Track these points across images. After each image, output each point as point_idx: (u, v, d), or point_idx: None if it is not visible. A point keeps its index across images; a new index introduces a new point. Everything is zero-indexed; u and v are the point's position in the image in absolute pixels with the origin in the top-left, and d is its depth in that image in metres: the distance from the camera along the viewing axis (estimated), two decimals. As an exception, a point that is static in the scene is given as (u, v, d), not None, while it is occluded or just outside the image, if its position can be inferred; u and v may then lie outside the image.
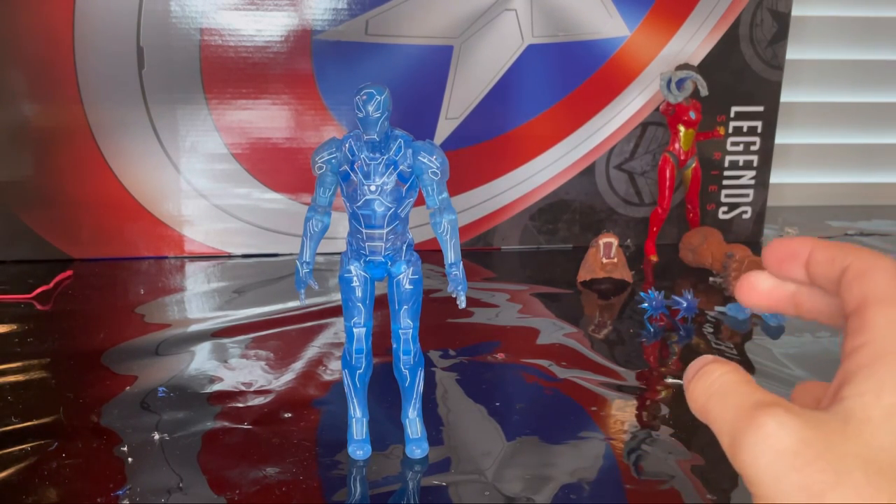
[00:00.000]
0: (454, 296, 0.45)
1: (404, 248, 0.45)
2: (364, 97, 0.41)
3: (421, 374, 0.47)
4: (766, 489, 0.26)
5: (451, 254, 0.44)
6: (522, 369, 0.60)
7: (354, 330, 0.45)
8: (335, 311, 0.68)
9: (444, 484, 0.45)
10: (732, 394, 0.28)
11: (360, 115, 0.41)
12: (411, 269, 0.45)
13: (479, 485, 0.45)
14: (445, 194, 0.44)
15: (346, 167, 0.43)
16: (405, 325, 0.45)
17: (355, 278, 0.44)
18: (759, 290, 0.32)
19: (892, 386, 0.26)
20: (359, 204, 0.43)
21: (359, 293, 0.45)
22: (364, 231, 0.43)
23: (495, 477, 0.46)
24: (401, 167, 0.42)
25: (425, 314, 0.48)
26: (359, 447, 0.47)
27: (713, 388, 0.28)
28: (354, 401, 0.47)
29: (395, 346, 0.46)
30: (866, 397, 0.26)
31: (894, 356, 0.26)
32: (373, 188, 0.42)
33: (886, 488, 0.24)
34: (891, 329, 0.27)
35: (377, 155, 0.42)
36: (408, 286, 0.45)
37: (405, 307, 0.45)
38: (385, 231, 0.43)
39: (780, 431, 0.26)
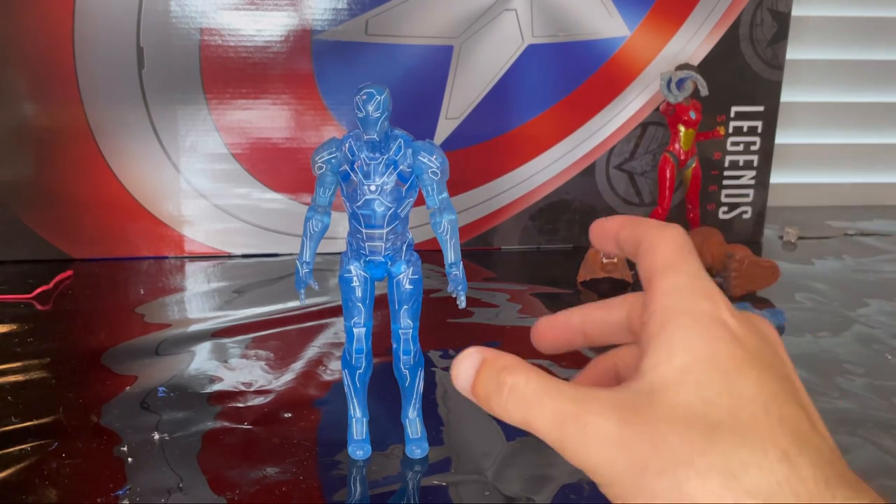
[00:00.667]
0: (454, 296, 0.45)
1: (404, 248, 0.45)
2: (364, 97, 0.41)
3: (421, 374, 0.47)
4: (603, 475, 0.29)
5: (451, 254, 0.44)
6: (522, 369, 0.59)
7: (354, 330, 0.45)
8: (335, 311, 0.68)
9: (444, 484, 0.45)
10: (548, 399, 0.30)
11: (360, 115, 0.41)
12: (411, 269, 0.45)
13: (479, 485, 0.45)
14: (445, 194, 0.44)
15: (345, 167, 0.43)
16: (405, 325, 0.45)
17: (355, 278, 0.44)
18: (545, 336, 0.34)
19: (681, 347, 0.28)
20: (359, 204, 0.42)
21: (359, 293, 0.45)
22: (364, 231, 0.43)
23: (495, 477, 0.46)
24: (401, 167, 0.42)
25: (425, 314, 0.48)
26: (359, 447, 0.47)
27: (527, 399, 0.30)
28: (354, 401, 0.47)
29: (395, 346, 0.46)
30: (660, 366, 0.28)
31: (678, 318, 0.29)
32: (373, 188, 0.42)
33: (698, 441, 0.27)
34: (673, 294, 0.30)
35: (377, 155, 0.42)
36: (408, 286, 0.45)
37: (405, 307, 0.45)
38: (385, 231, 0.43)
39: (603, 423, 0.28)
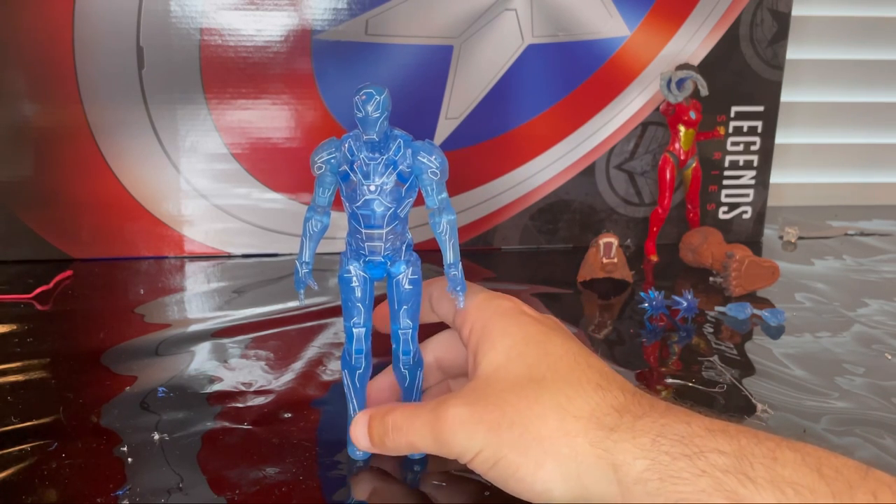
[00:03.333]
0: (453, 296, 0.45)
1: (404, 247, 0.45)
2: (363, 97, 0.40)
3: (420, 374, 0.47)
4: (472, 449, 0.38)
5: (450, 254, 0.44)
6: (522, 369, 0.59)
7: (354, 330, 0.45)
8: (335, 312, 0.68)
9: (443, 484, 0.45)
10: (415, 418, 0.40)
11: (360, 115, 0.41)
12: (411, 269, 0.45)
13: (480, 485, 0.45)
14: (445, 194, 0.44)
15: (345, 167, 0.43)
16: (405, 325, 0.45)
17: (354, 278, 0.44)
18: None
19: (500, 336, 0.41)
20: (358, 204, 0.42)
21: (358, 293, 0.44)
22: (363, 231, 0.43)
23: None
24: (400, 167, 0.42)
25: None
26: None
27: (402, 427, 0.41)
28: (354, 401, 0.47)
29: (394, 346, 0.46)
30: (489, 356, 0.40)
31: (492, 319, 0.42)
32: (372, 188, 0.42)
33: (531, 394, 0.38)
34: (482, 306, 0.43)
35: (376, 155, 0.42)
36: (407, 286, 0.44)
37: (405, 307, 0.45)
38: (385, 231, 0.43)
39: (455, 411, 0.38)
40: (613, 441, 0.35)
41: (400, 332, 0.45)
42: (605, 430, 0.36)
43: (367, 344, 0.45)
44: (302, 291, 0.46)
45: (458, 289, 0.45)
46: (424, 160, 0.42)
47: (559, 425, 0.37)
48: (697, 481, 0.33)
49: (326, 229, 0.45)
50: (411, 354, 0.46)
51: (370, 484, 0.45)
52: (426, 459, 0.47)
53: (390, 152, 0.42)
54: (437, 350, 0.48)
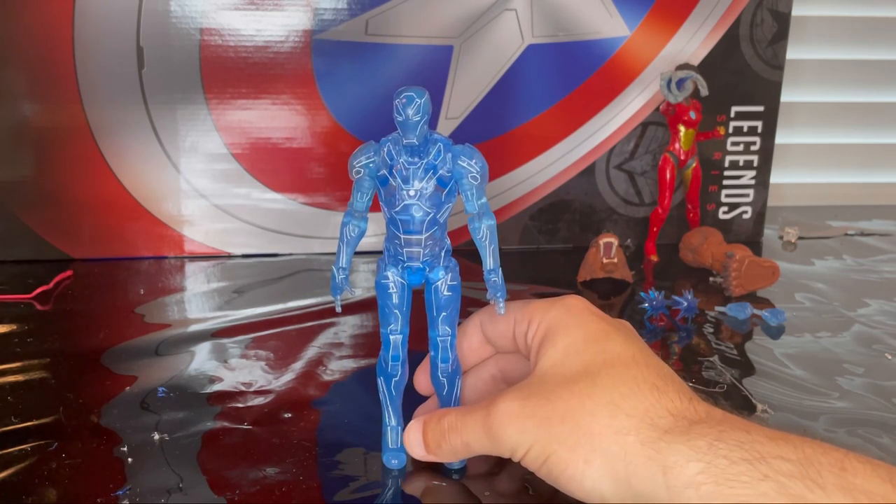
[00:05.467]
0: (493, 302, 0.44)
1: (443, 253, 0.44)
2: (404, 100, 0.40)
3: (459, 383, 0.46)
4: (523, 445, 0.38)
5: (490, 260, 0.43)
6: (522, 369, 0.59)
7: (391, 337, 0.44)
8: (334, 311, 0.68)
9: (443, 484, 0.45)
10: (469, 417, 0.40)
11: (400, 119, 0.40)
12: (450, 274, 0.44)
13: (480, 484, 0.45)
14: (484, 199, 0.43)
15: (384, 172, 0.42)
16: (443, 332, 0.44)
17: (392, 284, 0.44)
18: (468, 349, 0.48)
19: (561, 334, 0.40)
20: (397, 209, 0.42)
21: (395, 300, 0.44)
22: (402, 237, 0.42)
23: (496, 476, 0.46)
24: (440, 171, 0.42)
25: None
26: (393, 456, 0.46)
27: (457, 426, 0.40)
28: (389, 409, 0.46)
29: (432, 354, 0.45)
30: (548, 353, 0.40)
31: (557, 318, 0.41)
32: (412, 193, 0.41)
33: (584, 390, 0.37)
34: (543, 313, 0.42)
35: (416, 159, 0.41)
36: (446, 292, 0.44)
37: (443, 314, 0.44)
38: (423, 237, 0.42)
39: (507, 405, 0.38)
40: (667, 442, 0.34)
41: (438, 339, 0.45)
42: (659, 431, 0.35)
43: (403, 351, 0.45)
44: (338, 298, 0.45)
45: (499, 295, 0.44)
46: (465, 164, 0.42)
47: (610, 422, 0.35)
48: (759, 485, 0.31)
49: (364, 234, 0.44)
50: (449, 362, 0.45)
51: (372, 485, 0.45)
52: (465, 469, 0.46)
53: (430, 156, 0.41)
54: (501, 361, 0.47)
